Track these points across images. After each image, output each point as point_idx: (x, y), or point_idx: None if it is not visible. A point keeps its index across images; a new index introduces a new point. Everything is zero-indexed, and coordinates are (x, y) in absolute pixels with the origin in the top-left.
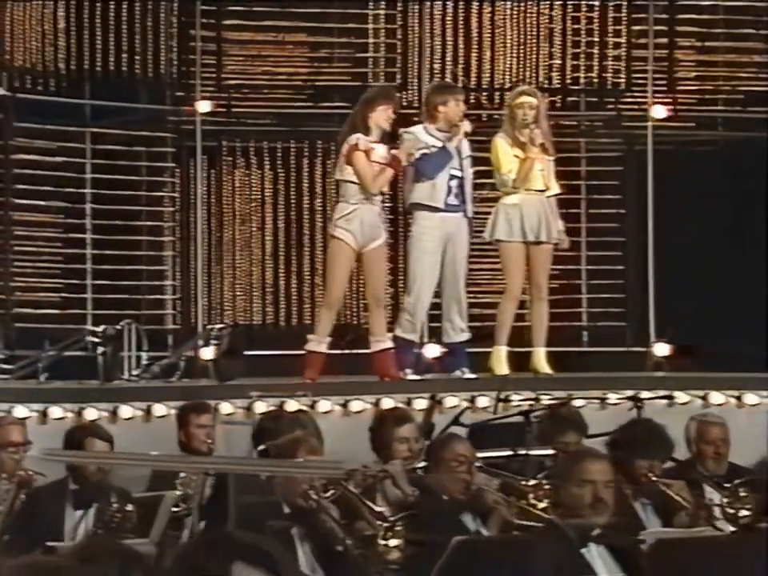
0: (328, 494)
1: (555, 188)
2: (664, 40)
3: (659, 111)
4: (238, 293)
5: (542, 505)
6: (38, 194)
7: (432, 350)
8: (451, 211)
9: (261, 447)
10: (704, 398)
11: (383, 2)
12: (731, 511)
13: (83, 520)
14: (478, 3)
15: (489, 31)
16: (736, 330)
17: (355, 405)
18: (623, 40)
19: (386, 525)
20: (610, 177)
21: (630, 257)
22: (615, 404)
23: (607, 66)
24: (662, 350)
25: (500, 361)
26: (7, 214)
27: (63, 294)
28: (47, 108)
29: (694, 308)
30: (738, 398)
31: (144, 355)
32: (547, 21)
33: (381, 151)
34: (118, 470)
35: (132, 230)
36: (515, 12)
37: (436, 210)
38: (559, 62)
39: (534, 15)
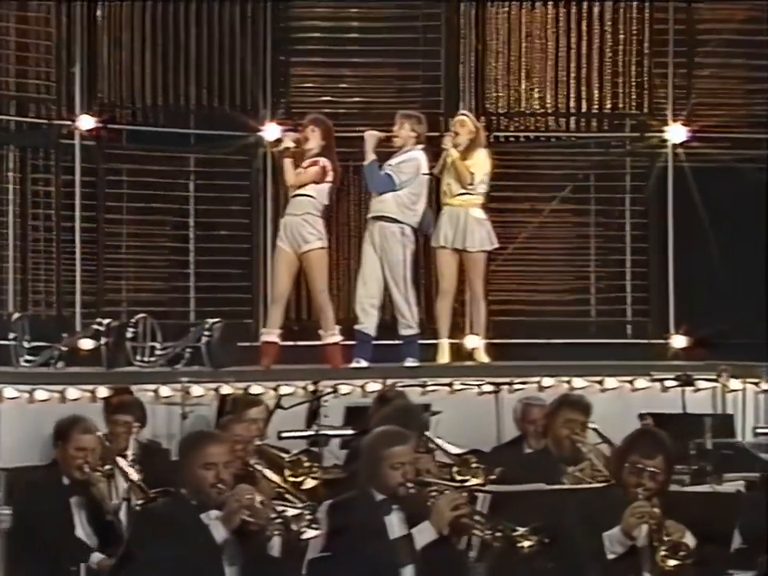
0: (104, 469)
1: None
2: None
3: (678, 133)
4: None
5: (298, 480)
6: (147, 209)
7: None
8: (380, 221)
9: None
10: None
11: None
12: (459, 478)
13: None
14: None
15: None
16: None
17: (284, 389)
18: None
19: (150, 495)
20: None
21: (652, 259)
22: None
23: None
24: (679, 342)
25: (443, 352)
26: (100, 226)
27: (169, 294)
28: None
29: (710, 304)
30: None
31: (158, 345)
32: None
33: None
34: None
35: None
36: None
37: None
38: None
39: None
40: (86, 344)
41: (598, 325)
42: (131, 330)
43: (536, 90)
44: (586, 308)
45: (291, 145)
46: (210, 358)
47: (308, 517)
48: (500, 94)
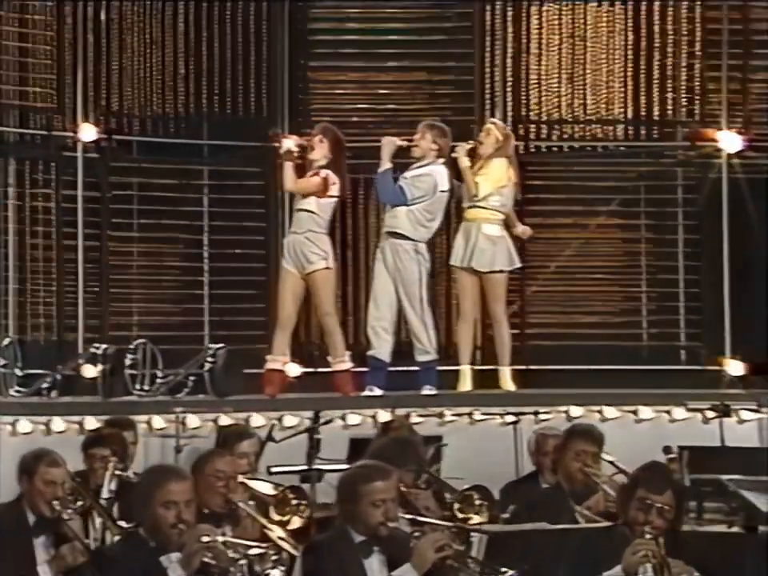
0: (76, 506)
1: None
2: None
3: (733, 142)
4: None
5: (283, 518)
6: (156, 226)
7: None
8: (392, 237)
9: None
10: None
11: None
12: (461, 516)
13: None
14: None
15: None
16: None
17: (288, 420)
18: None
19: (126, 530)
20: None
21: (705, 277)
22: None
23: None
24: (736, 368)
25: (464, 379)
26: (104, 243)
27: (180, 318)
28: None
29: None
30: None
31: (159, 373)
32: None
33: None
34: None
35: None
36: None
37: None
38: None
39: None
40: (83, 371)
41: (650, 349)
42: (130, 356)
43: (579, 95)
44: (636, 331)
45: (294, 149)
46: (213, 386)
47: (273, 557)
48: (539, 100)
